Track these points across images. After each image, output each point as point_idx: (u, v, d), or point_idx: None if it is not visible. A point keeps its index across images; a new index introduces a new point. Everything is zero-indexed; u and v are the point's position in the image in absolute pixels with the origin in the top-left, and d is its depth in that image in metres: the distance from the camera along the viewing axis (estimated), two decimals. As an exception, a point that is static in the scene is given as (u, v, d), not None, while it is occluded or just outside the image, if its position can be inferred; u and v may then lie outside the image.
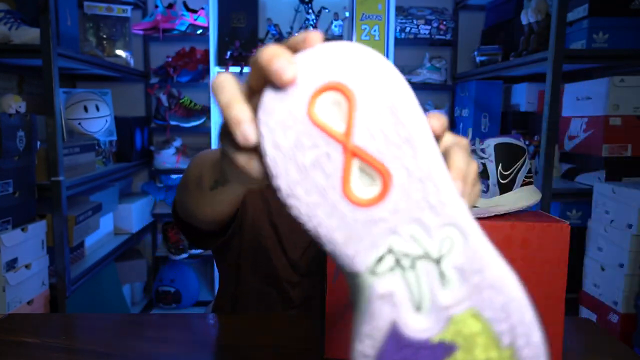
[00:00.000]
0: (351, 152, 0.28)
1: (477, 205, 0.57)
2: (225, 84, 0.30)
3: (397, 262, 0.28)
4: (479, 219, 0.55)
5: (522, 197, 0.56)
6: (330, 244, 0.29)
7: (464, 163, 0.37)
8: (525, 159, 0.57)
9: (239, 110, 0.29)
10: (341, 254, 0.29)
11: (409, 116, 0.28)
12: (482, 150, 0.57)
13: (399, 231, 0.28)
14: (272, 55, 0.27)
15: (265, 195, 0.86)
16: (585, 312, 1.57)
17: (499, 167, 0.56)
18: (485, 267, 0.27)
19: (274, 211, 0.85)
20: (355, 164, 0.29)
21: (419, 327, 0.27)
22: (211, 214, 0.64)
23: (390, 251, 0.28)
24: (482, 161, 0.57)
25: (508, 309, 0.27)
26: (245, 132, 0.28)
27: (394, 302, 0.28)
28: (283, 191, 0.28)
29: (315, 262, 0.88)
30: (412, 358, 0.27)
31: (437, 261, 0.28)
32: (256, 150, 0.30)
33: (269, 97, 0.28)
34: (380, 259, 0.28)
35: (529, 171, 0.58)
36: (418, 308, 0.28)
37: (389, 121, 0.28)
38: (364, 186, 0.29)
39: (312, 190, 0.28)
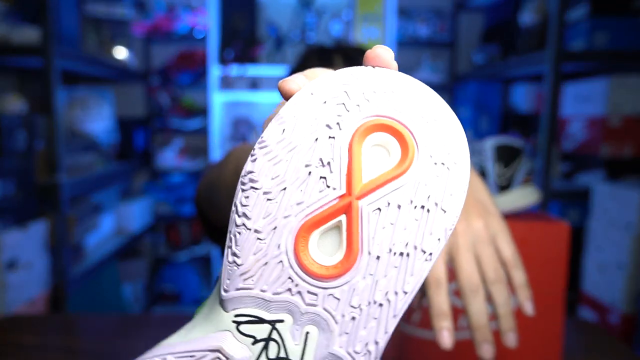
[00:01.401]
0: (347, 207, 0.22)
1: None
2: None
3: (267, 341, 0.22)
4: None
5: (521, 196, 0.56)
6: (233, 254, 0.22)
7: (470, 269, 0.40)
8: (523, 158, 0.57)
9: (299, 77, 0.25)
10: (230, 275, 0.22)
11: (438, 234, 0.22)
12: (480, 150, 0.57)
13: (300, 320, 0.22)
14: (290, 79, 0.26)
15: None
16: (585, 312, 1.57)
17: (497, 167, 0.56)
18: None
19: None
20: (339, 220, 0.22)
21: None
22: None
23: (272, 326, 0.22)
24: (481, 161, 0.57)
25: None
26: (294, 78, 0.24)
27: None
28: (255, 161, 0.22)
29: None
30: None
31: None
32: None
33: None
34: (256, 322, 0.22)
35: (528, 171, 0.58)
36: None
37: (413, 219, 0.22)
38: (323, 246, 0.23)
39: (276, 192, 0.22)
